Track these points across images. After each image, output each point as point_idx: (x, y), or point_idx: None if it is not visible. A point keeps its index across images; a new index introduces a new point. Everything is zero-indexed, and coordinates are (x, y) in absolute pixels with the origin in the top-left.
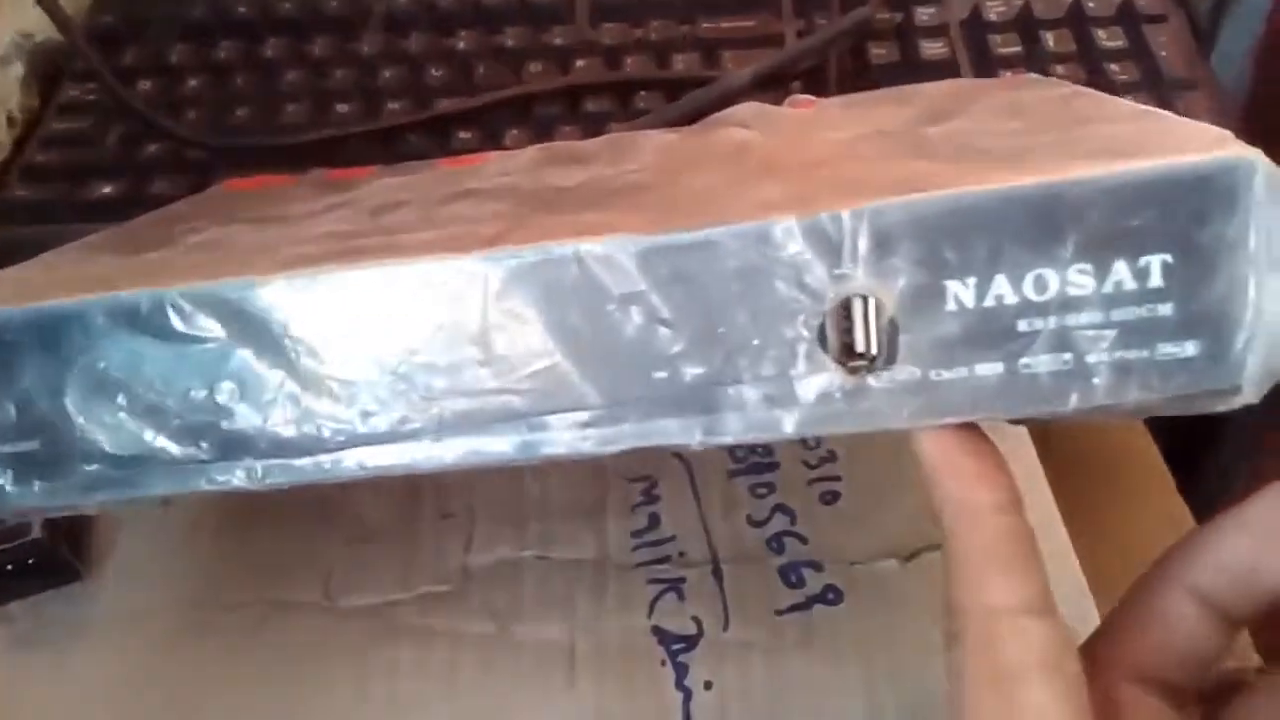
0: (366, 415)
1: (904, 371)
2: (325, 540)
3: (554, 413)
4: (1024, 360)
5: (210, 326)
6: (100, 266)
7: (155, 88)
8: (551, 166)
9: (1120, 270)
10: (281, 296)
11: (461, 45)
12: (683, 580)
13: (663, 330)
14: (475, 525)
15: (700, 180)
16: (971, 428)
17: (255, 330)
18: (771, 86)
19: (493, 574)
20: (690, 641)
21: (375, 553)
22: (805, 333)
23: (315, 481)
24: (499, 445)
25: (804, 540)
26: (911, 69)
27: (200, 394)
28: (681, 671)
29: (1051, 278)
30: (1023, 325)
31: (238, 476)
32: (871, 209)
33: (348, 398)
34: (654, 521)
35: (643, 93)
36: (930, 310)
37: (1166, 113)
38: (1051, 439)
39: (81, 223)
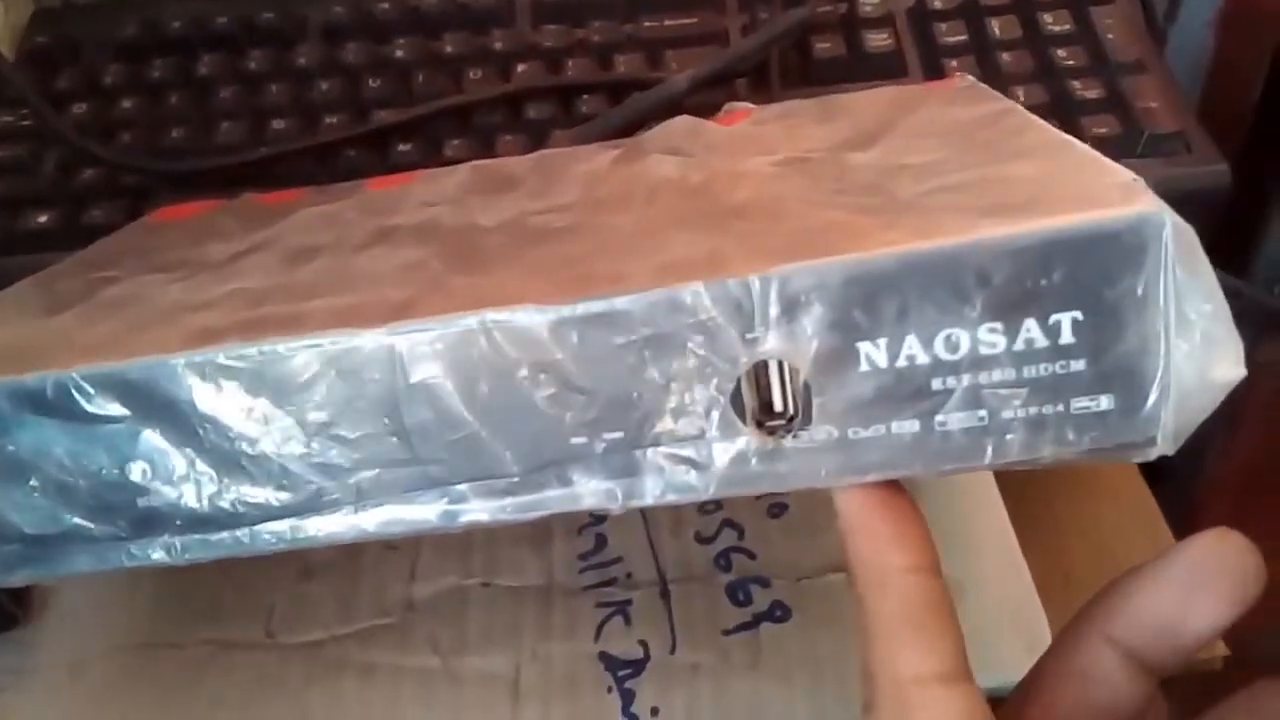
0: (281, 489)
1: (820, 431)
2: (267, 578)
3: (472, 481)
4: (939, 418)
5: (116, 407)
6: (9, 334)
7: (90, 111)
8: (478, 195)
9: (1031, 328)
10: (185, 376)
11: (400, 54)
12: (629, 603)
13: (577, 397)
14: (419, 554)
15: (620, 227)
16: (890, 484)
17: (162, 409)
18: (714, 88)
19: (436, 604)
20: (637, 666)
21: (318, 588)
22: (720, 396)
23: (237, 555)
24: (420, 514)
25: (752, 556)
26: (857, 62)
27: (112, 473)
28: (628, 698)
29: (962, 337)
30: (936, 384)
31: (157, 553)
32: (779, 275)
33: (261, 474)
34: (601, 542)
35: (585, 96)
36: (844, 371)
37: (1083, 146)
38: None
39: (17, 254)
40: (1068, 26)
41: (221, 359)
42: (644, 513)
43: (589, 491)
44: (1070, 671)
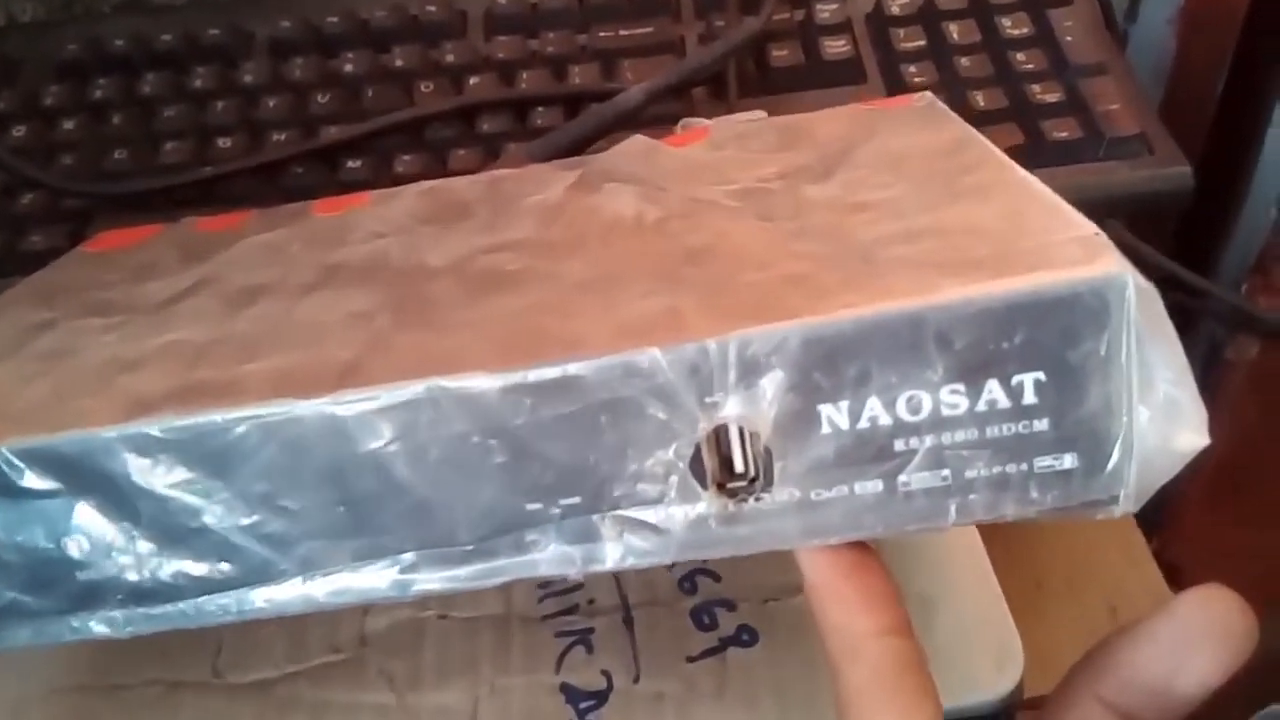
0: (225, 561)
1: (782, 494)
2: None
3: (424, 549)
4: (902, 478)
5: (49, 481)
6: None
7: (29, 133)
8: (427, 225)
9: (993, 389)
10: (119, 449)
11: (349, 68)
12: (591, 631)
13: (531, 463)
14: None
15: (575, 274)
16: (855, 544)
17: (97, 482)
18: (671, 98)
19: (391, 638)
20: (600, 697)
21: (267, 625)
22: (678, 461)
23: (183, 627)
24: (372, 583)
25: (716, 578)
26: (815, 70)
27: (48, 547)
28: None
29: (924, 398)
30: (899, 445)
31: (99, 627)
32: (737, 339)
33: (203, 547)
34: None
35: (540, 109)
36: (805, 434)
37: (1043, 189)
38: None
39: None
40: (1026, 30)
41: (156, 432)
42: None
43: (546, 558)
44: None
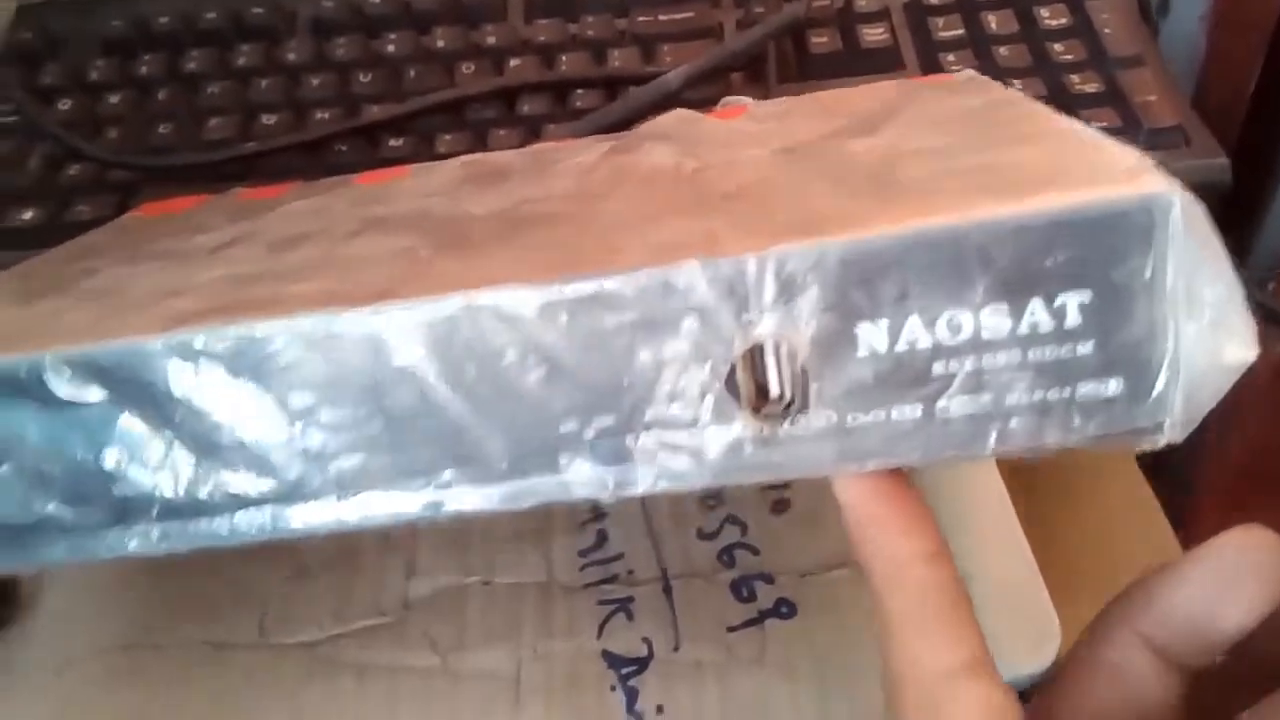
0: (261, 477)
1: (818, 418)
2: (260, 577)
3: (457, 469)
4: (941, 403)
5: (91, 390)
6: None
7: (76, 106)
8: (470, 186)
9: (1036, 310)
10: (163, 358)
11: (391, 49)
12: (631, 600)
13: (566, 382)
14: (417, 552)
15: (613, 211)
16: (891, 472)
17: (138, 393)
18: (710, 82)
19: (434, 603)
20: (641, 664)
21: (312, 587)
22: (714, 380)
23: (216, 546)
24: (404, 504)
25: (755, 552)
26: (853, 57)
27: (87, 459)
28: (632, 696)
29: (965, 319)
30: (938, 368)
31: (134, 542)
32: (776, 254)
33: (240, 459)
34: (602, 539)
35: (580, 92)
36: (843, 355)
37: (1090, 131)
38: None
39: (1, 251)
40: (1064, 20)
41: (200, 341)
42: (645, 509)
43: (579, 480)
44: (1100, 667)
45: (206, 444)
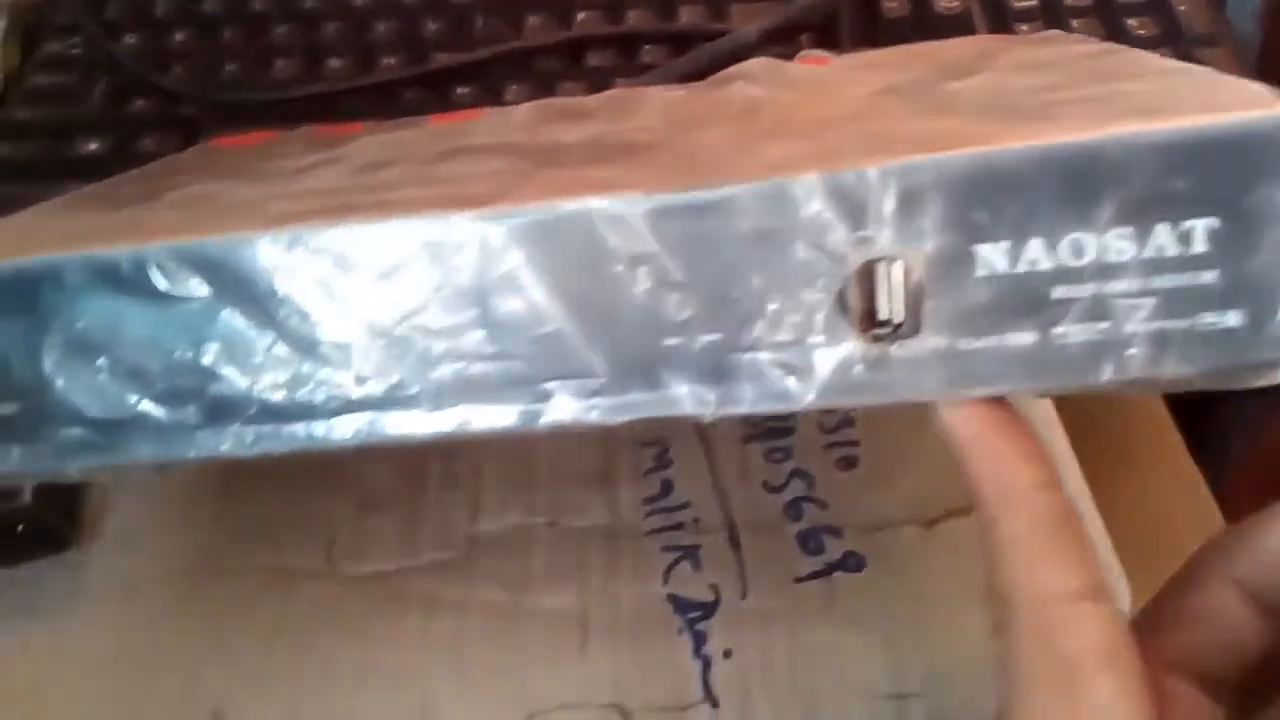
0: (361, 380)
1: (930, 340)
2: (328, 506)
3: (558, 380)
4: (1058, 330)
5: (194, 285)
6: (79, 223)
7: (141, 42)
8: (549, 123)
9: (1162, 234)
10: (269, 253)
11: None
12: (698, 548)
13: (673, 294)
14: (483, 492)
15: (711, 138)
16: (999, 401)
17: (242, 289)
18: (781, 42)
19: (501, 542)
20: (708, 609)
21: (379, 519)
22: (825, 298)
23: (307, 450)
24: (500, 414)
25: (823, 506)
26: (924, 23)
27: (185, 355)
28: (700, 639)
29: (1089, 242)
30: (1058, 292)
31: (226, 443)
32: (899, 166)
33: (340, 361)
34: (667, 488)
35: (647, 46)
36: (959, 276)
37: (1202, 68)
38: (1058, 401)
39: (65, 180)
40: None
41: (307, 238)
42: (710, 459)
43: (681, 396)
44: (1192, 611)
45: (308, 344)
